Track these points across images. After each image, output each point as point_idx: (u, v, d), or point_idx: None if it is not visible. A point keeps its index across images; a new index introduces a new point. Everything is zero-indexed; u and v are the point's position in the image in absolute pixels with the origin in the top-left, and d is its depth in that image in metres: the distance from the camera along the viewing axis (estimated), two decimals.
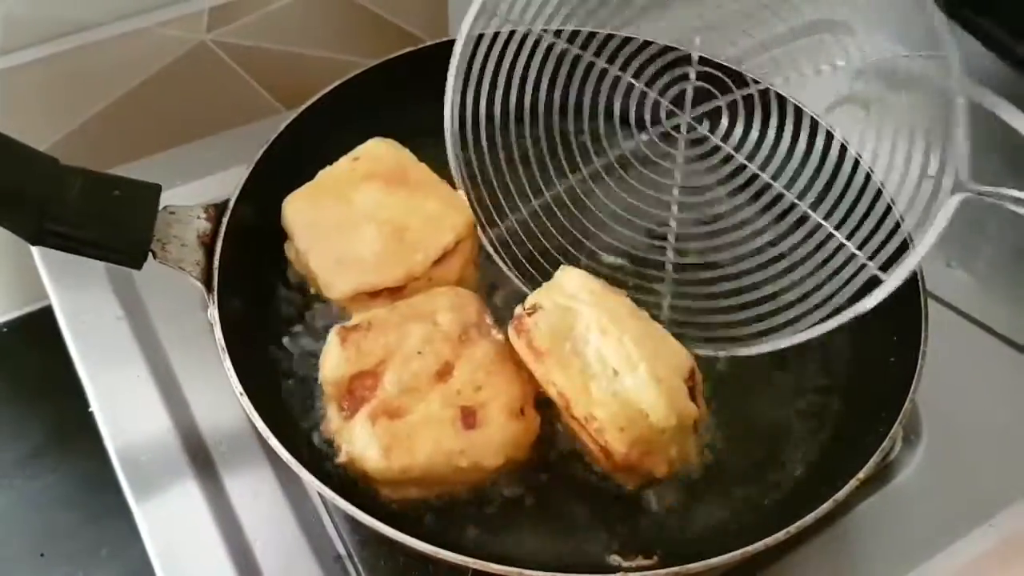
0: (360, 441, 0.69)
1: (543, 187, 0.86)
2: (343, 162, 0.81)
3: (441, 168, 0.82)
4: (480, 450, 0.69)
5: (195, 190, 0.91)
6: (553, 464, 0.74)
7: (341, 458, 0.70)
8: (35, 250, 0.88)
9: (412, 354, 0.71)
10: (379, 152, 0.81)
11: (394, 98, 0.89)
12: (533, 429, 0.72)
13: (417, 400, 0.70)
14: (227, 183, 0.84)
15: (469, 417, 0.69)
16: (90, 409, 0.81)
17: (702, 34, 0.87)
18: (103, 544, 0.84)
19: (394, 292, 0.76)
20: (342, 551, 0.74)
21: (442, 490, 0.71)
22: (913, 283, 0.77)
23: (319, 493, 0.75)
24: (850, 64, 0.81)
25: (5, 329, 0.98)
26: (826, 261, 0.77)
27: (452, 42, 0.90)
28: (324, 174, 0.80)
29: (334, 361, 0.72)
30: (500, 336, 0.73)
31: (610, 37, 0.87)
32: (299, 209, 0.79)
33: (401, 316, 0.73)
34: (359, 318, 0.73)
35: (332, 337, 0.73)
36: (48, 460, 0.89)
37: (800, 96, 0.88)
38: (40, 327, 0.96)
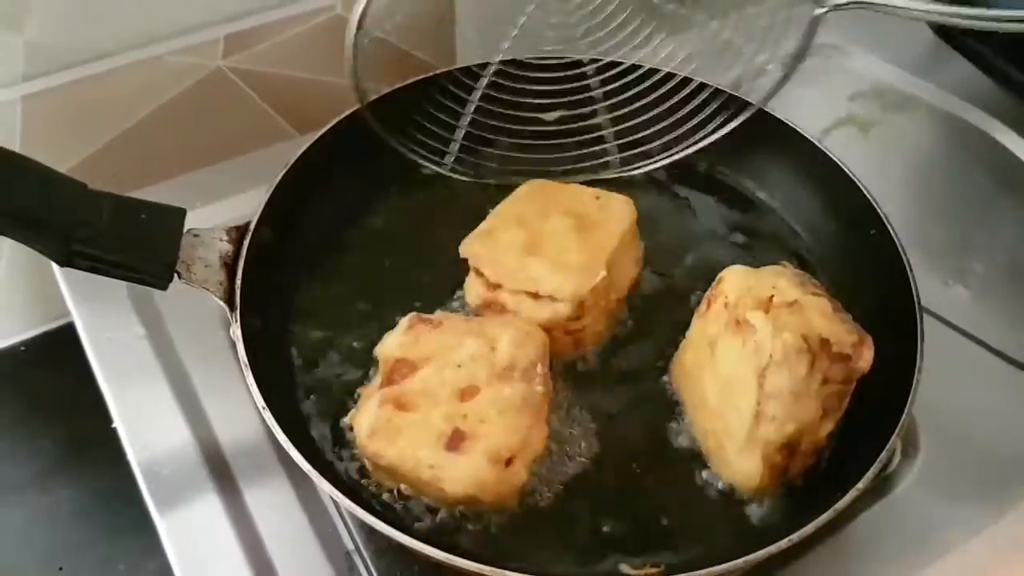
0: (364, 414, 0.71)
1: None
2: (508, 204, 0.85)
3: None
4: (447, 473, 0.69)
5: (212, 212, 0.92)
6: (570, 479, 0.76)
7: (347, 418, 0.74)
8: (58, 271, 0.89)
9: (452, 364, 0.72)
10: (537, 191, 0.85)
11: (407, 123, 0.91)
12: (512, 483, 0.71)
13: (430, 404, 0.71)
14: (243, 205, 0.87)
15: (456, 440, 0.70)
16: (112, 425, 0.82)
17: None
18: (120, 558, 0.86)
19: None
20: (358, 561, 0.76)
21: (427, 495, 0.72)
22: (909, 299, 0.79)
23: (336, 503, 0.77)
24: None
25: (23, 348, 1.00)
26: None
27: (462, 69, 0.93)
28: (495, 217, 0.84)
29: (392, 341, 0.75)
30: (541, 388, 0.73)
31: None
32: (483, 245, 0.81)
33: (468, 328, 0.75)
34: (438, 314, 0.77)
35: (404, 320, 0.76)
36: (64, 476, 0.91)
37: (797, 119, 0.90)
38: (56, 346, 0.99)
